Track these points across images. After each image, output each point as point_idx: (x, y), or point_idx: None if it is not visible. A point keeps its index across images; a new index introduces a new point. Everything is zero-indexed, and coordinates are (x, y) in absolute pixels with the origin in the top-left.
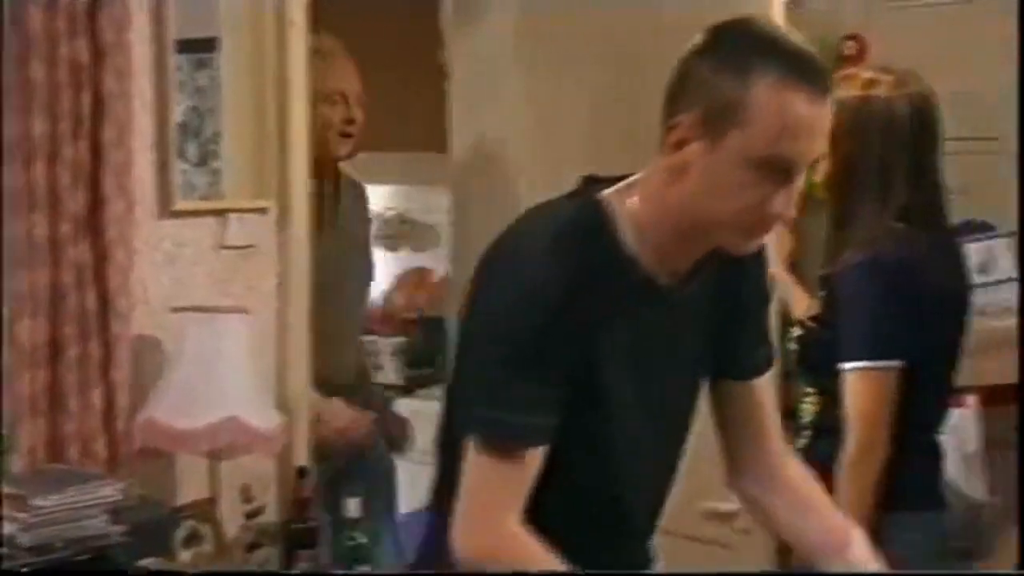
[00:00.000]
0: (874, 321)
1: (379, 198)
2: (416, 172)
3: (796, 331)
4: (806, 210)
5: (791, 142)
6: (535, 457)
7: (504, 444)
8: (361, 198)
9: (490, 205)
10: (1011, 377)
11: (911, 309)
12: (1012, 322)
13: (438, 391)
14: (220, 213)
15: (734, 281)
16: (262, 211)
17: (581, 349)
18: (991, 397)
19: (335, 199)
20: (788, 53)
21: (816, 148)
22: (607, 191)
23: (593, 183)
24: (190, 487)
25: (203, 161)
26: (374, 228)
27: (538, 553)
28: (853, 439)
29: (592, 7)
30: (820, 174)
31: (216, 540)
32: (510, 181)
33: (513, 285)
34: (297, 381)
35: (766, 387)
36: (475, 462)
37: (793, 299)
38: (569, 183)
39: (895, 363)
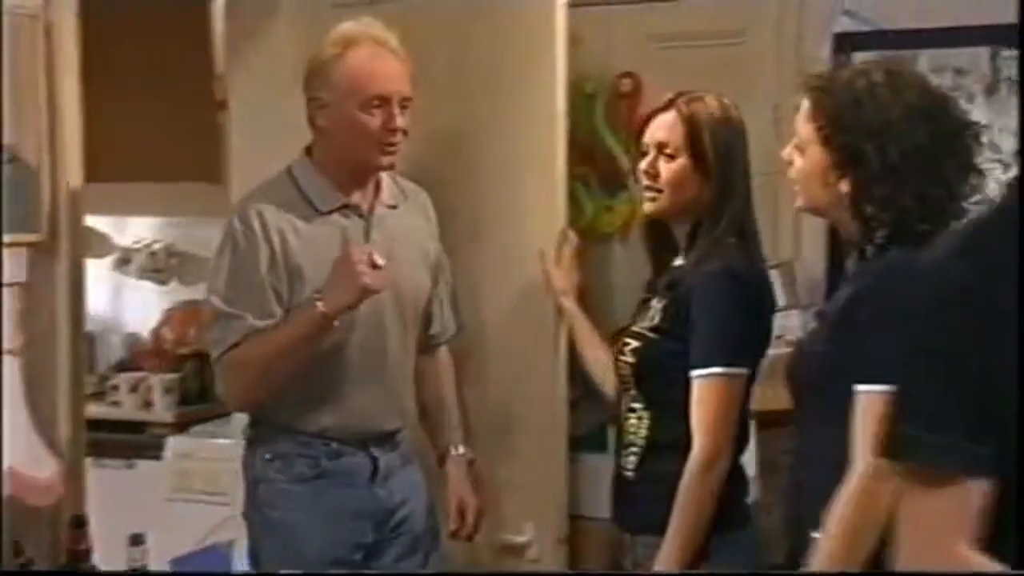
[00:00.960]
0: (730, 328)
1: (146, 230)
2: (186, 203)
3: (632, 343)
4: (591, 242)
5: None
6: (979, 492)
7: (945, 472)
8: (416, 214)
9: None
10: (781, 404)
11: (758, 321)
12: (783, 351)
13: (213, 427)
14: None
15: None
16: (32, 246)
17: (1014, 356)
18: (765, 422)
19: (368, 217)
20: None
21: None
22: None
23: None
24: None
25: None
26: (141, 260)
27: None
28: (703, 446)
29: None
30: (663, 203)
31: None
32: None
33: (928, 291)
34: (70, 426)
35: None
36: (914, 494)
37: (580, 329)
38: None
39: (744, 371)
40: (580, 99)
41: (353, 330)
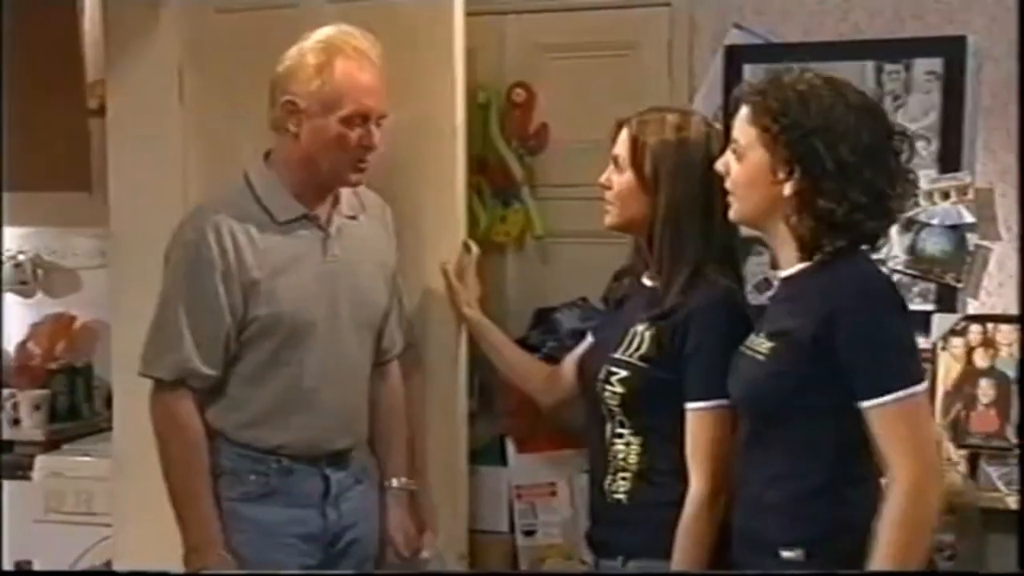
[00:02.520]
0: (728, 358)
1: (11, 240)
2: (54, 213)
3: (620, 372)
4: (484, 252)
5: None
6: None
7: None
8: (375, 225)
9: (150, 246)
10: None
11: None
12: None
13: (86, 445)
14: None
15: None
16: None
17: None
18: None
19: (326, 228)
20: None
21: None
22: None
23: None
24: None
25: None
26: (6, 273)
27: None
28: (706, 479)
29: (260, 40)
30: (613, 216)
31: None
32: (173, 223)
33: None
34: None
35: None
36: None
37: (491, 337)
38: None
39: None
40: (473, 109)
41: (312, 345)
